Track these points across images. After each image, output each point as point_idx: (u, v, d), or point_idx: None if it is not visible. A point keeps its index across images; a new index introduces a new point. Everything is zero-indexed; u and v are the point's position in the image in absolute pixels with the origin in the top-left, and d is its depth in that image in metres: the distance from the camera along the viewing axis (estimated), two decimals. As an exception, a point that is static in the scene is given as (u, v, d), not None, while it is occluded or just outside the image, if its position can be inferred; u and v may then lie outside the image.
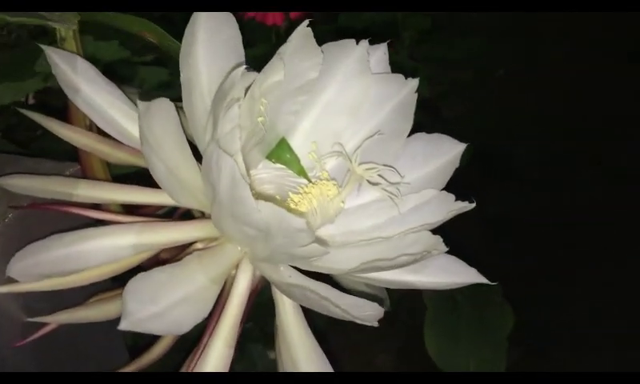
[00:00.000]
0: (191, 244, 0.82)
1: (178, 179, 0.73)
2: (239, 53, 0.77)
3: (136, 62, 2.00)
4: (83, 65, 0.79)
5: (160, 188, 0.83)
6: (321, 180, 0.83)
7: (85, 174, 0.92)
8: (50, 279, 0.76)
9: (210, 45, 0.75)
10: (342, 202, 0.81)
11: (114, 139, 0.86)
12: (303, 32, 0.76)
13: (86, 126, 0.90)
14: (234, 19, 0.76)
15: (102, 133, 0.90)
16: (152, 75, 1.91)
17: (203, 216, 0.86)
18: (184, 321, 0.65)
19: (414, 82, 0.84)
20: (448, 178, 0.84)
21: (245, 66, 0.67)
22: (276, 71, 0.74)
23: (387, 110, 0.85)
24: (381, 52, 0.87)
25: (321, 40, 0.80)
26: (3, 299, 0.85)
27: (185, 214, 0.95)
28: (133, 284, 0.63)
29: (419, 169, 0.85)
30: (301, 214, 0.77)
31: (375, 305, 0.67)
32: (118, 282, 0.87)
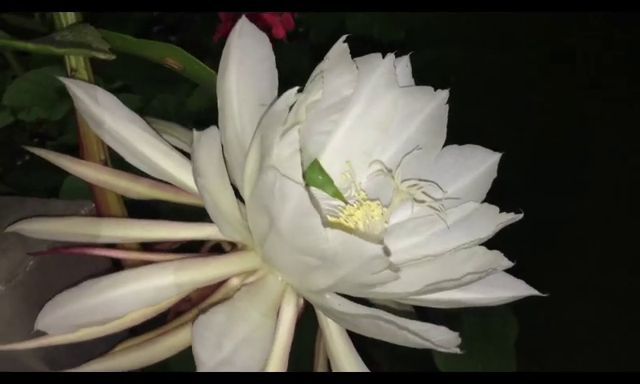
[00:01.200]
0: (224, 281, 0.78)
1: (220, 210, 0.69)
2: (273, 74, 0.73)
3: (107, 89, 1.93)
4: (105, 96, 0.74)
5: (185, 222, 0.79)
6: (360, 201, 0.80)
7: (100, 212, 0.87)
8: (84, 329, 0.70)
9: (241, 67, 0.71)
10: (386, 222, 0.78)
11: (131, 173, 0.82)
12: (340, 48, 0.73)
13: (101, 160, 0.84)
14: (266, 39, 0.72)
15: (117, 167, 0.85)
16: (125, 102, 1.84)
17: (234, 248, 0.82)
18: (251, 362, 0.61)
19: (443, 94, 0.82)
20: (486, 189, 0.82)
21: (297, 88, 0.63)
22: (317, 90, 0.70)
23: (417, 123, 0.83)
24: (403, 64, 0.84)
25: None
26: (23, 354, 0.78)
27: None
28: (197, 330, 0.59)
29: (454, 182, 0.82)
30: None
31: (447, 329, 0.64)
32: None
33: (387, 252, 0.59)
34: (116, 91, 1.79)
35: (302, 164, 0.77)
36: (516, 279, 0.77)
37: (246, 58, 0.72)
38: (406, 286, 0.68)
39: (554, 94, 1.65)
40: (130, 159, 0.76)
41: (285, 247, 0.63)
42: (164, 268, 0.71)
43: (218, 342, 0.59)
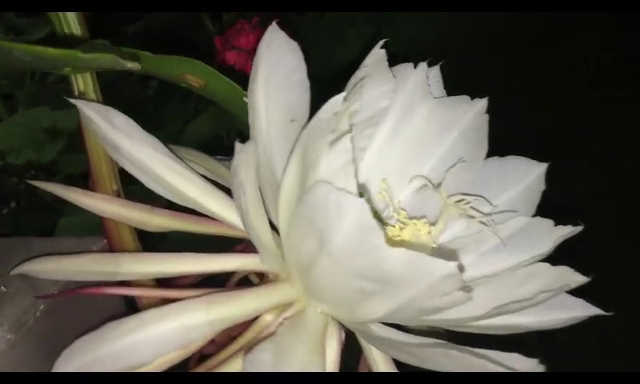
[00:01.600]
0: (255, 318, 0.70)
1: (260, 236, 0.62)
2: (304, 86, 0.67)
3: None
4: (121, 119, 0.67)
5: (214, 253, 0.72)
6: (402, 221, 0.73)
7: (113, 248, 0.79)
8: (109, 378, 0.62)
9: (270, 81, 0.65)
10: (434, 242, 0.71)
11: (146, 204, 0.75)
12: (377, 55, 0.67)
13: (114, 191, 0.77)
14: (297, 48, 0.66)
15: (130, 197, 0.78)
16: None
17: (264, 281, 0.75)
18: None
19: (481, 103, 0.76)
20: (535, 202, 0.75)
21: (343, 94, 0.56)
22: (356, 100, 0.64)
23: (454, 135, 0.77)
24: (434, 73, 0.79)
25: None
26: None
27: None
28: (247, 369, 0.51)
29: (499, 196, 0.76)
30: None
31: (521, 356, 0.57)
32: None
33: (462, 269, 0.52)
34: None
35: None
36: (574, 298, 0.70)
37: (275, 71, 0.66)
38: (470, 310, 0.61)
39: (554, 94, 1.61)
40: (151, 185, 0.69)
41: (337, 272, 0.56)
42: (193, 305, 0.64)
43: (269, 385, 0.52)
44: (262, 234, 0.63)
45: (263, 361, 0.54)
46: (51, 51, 0.55)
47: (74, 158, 1.77)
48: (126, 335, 0.61)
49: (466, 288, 0.53)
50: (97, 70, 0.68)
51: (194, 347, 0.66)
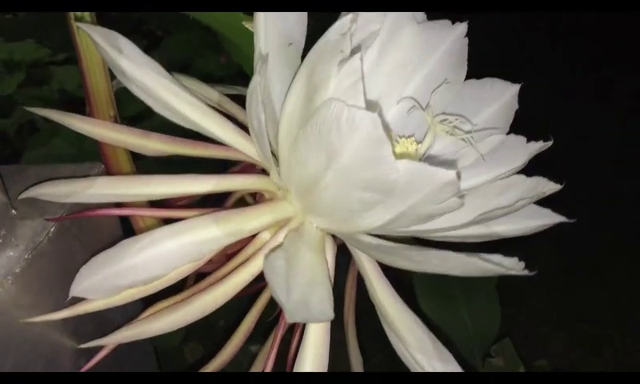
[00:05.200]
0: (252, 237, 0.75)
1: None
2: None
3: (52, 61, 1.85)
4: (126, 44, 0.69)
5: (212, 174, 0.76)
6: (395, 138, 0.78)
7: (110, 171, 0.82)
8: (127, 291, 0.67)
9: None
10: (420, 158, 0.77)
11: (142, 129, 0.78)
12: None
13: (111, 117, 0.79)
14: None
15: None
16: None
17: (258, 201, 0.80)
18: (324, 305, 0.59)
19: (461, 27, 0.80)
20: (509, 121, 0.81)
21: (351, 15, 0.60)
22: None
23: (435, 58, 0.81)
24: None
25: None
26: (51, 329, 0.73)
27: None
28: (269, 277, 0.57)
29: (476, 115, 0.82)
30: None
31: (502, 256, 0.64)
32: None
33: (460, 177, 0.58)
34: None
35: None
36: (542, 208, 0.77)
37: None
38: (458, 218, 0.67)
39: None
40: (157, 109, 0.72)
41: (343, 186, 0.61)
42: (203, 221, 0.68)
43: (287, 288, 0.57)
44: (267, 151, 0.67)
45: (277, 267, 0.59)
46: None
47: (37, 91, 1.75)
48: (145, 249, 0.65)
49: (460, 194, 0.59)
50: None
51: (206, 259, 0.70)
